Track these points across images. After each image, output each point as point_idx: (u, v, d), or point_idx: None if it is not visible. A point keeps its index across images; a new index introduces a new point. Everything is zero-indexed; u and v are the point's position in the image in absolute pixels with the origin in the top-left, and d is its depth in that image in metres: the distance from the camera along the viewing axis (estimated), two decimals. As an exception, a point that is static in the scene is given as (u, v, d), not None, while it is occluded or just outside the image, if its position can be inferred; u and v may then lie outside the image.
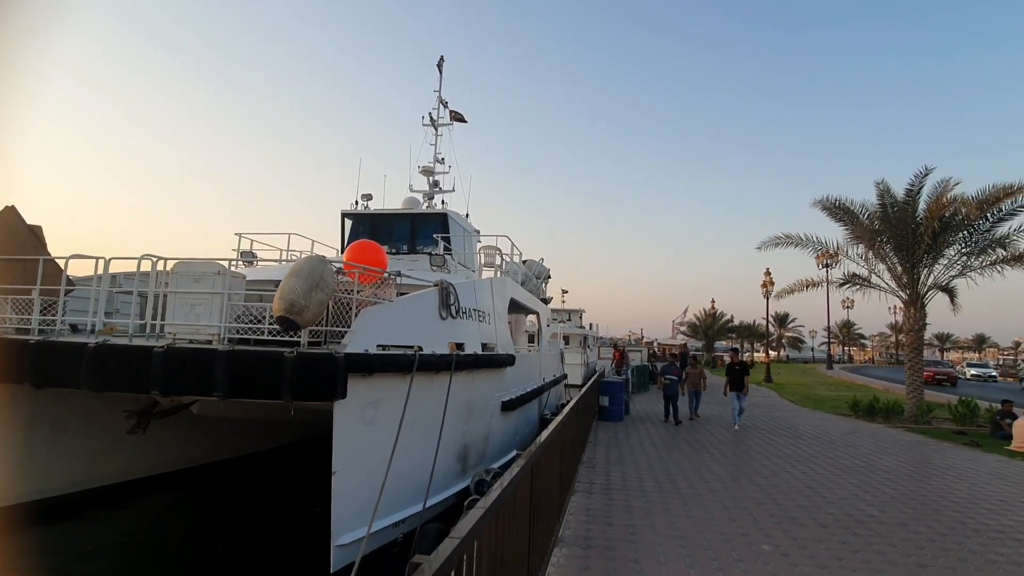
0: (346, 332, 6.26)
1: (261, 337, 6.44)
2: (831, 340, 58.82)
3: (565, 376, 20.13)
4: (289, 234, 12.94)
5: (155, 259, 6.69)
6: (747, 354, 72.76)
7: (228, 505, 8.68)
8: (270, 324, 6.17)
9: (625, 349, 26.27)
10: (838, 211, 14.18)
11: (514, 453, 11.59)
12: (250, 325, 6.53)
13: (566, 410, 5.68)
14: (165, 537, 7.43)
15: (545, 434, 3.80)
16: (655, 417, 14.17)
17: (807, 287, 15.97)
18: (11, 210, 6.95)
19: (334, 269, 6.15)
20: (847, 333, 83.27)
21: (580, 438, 8.03)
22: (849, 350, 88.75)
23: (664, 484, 6.98)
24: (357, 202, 15.19)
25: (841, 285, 14.67)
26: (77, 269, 7.40)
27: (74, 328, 7.38)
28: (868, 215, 13.82)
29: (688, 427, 12.67)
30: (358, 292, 6.74)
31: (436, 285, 7.97)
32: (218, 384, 5.71)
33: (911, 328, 13.68)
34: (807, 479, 7.52)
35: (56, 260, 7.03)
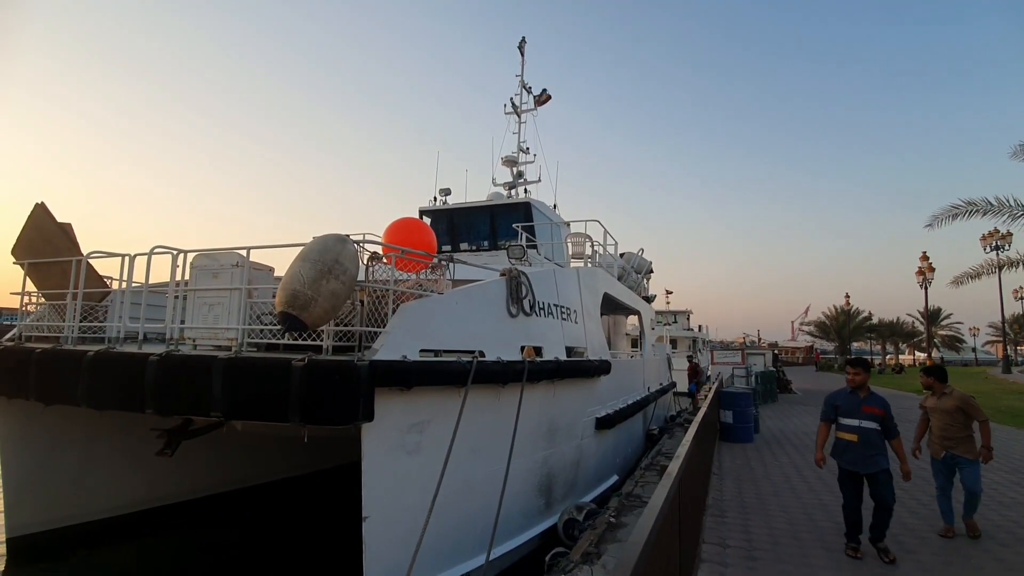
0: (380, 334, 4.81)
1: (293, 342, 5.17)
2: (1003, 338, 48.64)
3: (674, 384, 17.60)
4: (364, 235, 12.01)
5: (175, 252, 5.70)
6: (890, 356, 63.13)
7: (271, 536, 7.62)
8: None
9: (744, 352, 22.85)
10: (1050, 161, 10.46)
11: (614, 479, 9.61)
12: (273, 327, 5.30)
13: (684, 450, 3.69)
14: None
15: (648, 520, 1.93)
16: (795, 437, 11.31)
17: (1002, 267, 12.11)
18: (41, 207, 6.40)
19: (355, 251, 4.70)
20: (1021, 330, 69.25)
21: (703, 473, 5.91)
22: (1027, 350, 73.89)
23: (840, 552, 4.67)
24: (435, 198, 14.13)
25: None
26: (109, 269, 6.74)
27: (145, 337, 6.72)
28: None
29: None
30: (396, 282, 5.27)
31: (503, 273, 6.32)
32: (216, 401, 4.47)
33: None
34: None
35: (82, 260, 6.35)
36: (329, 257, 4.31)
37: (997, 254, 24.18)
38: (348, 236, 4.77)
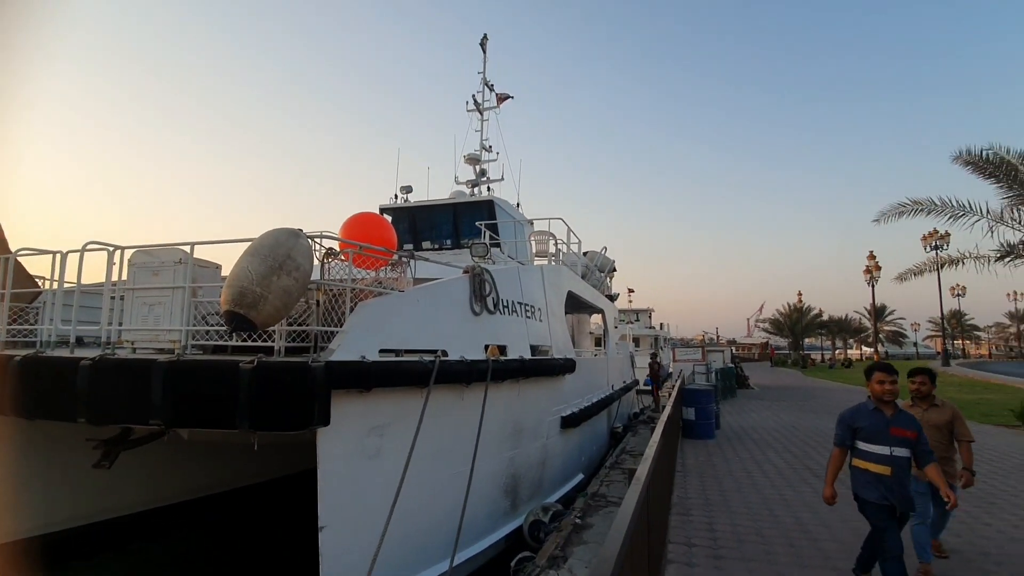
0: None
1: (242, 344, 4.88)
2: (943, 334, 51.79)
3: (637, 382, 17.82)
4: (321, 233, 11.59)
5: (110, 248, 5.28)
6: (838, 351, 66.02)
7: (229, 548, 7.24)
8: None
9: (704, 349, 23.36)
10: (988, 166, 11.05)
11: (580, 478, 9.58)
12: (220, 327, 4.98)
13: (653, 452, 3.62)
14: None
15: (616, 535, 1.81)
16: (754, 432, 11.57)
17: (942, 265, 12.75)
18: (-40, 200, 5.84)
19: (310, 246, 4.45)
20: (957, 325, 73.73)
21: (667, 471, 5.90)
22: (963, 344, 78.70)
23: (802, 546, 4.72)
24: (396, 195, 13.82)
25: (999, 259, 11.44)
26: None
27: (80, 341, 6.22)
28: (1031, 167, 10.61)
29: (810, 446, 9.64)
30: (355, 279, 5.05)
31: (467, 271, 6.16)
32: (156, 409, 4.15)
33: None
34: (1025, 536, 4.95)
35: (10, 258, 5.84)
36: (281, 252, 4.05)
37: (936, 253, 25.65)
38: (302, 230, 4.51)
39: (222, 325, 4.98)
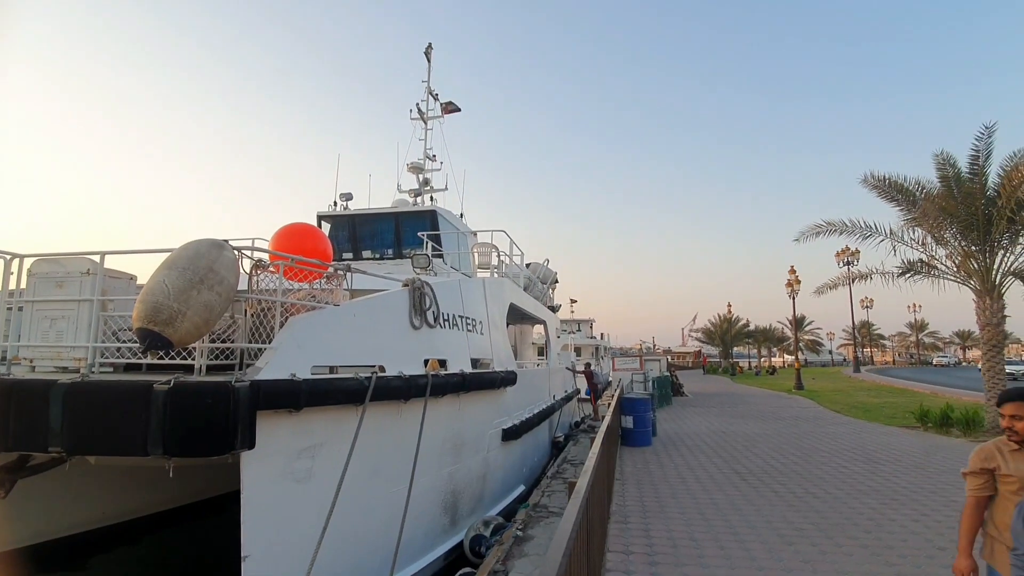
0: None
1: (158, 362, 4.53)
2: (854, 342, 56.18)
3: (578, 391, 18.08)
4: (252, 240, 10.98)
5: (7, 256, 4.78)
6: (764, 359, 70.06)
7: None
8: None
9: (642, 358, 24.09)
10: (890, 190, 12.13)
11: (521, 489, 9.57)
12: (133, 344, 4.61)
13: (591, 464, 3.65)
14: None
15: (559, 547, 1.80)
16: (688, 439, 12.01)
17: (853, 280, 13.84)
18: None
19: (234, 258, 4.21)
20: (866, 334, 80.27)
21: (607, 481, 5.99)
22: (870, 351, 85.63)
23: (731, 549, 4.91)
24: (336, 202, 13.40)
25: (901, 275, 12.55)
26: None
27: None
28: (926, 193, 11.75)
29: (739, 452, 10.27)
30: (285, 292, 4.82)
31: (406, 284, 6.04)
32: (54, 435, 3.77)
33: (987, 322, 11.52)
34: (927, 532, 5.41)
35: None
36: (202, 264, 3.80)
37: (848, 269, 27.92)
38: (226, 241, 4.26)
39: (135, 341, 4.63)
